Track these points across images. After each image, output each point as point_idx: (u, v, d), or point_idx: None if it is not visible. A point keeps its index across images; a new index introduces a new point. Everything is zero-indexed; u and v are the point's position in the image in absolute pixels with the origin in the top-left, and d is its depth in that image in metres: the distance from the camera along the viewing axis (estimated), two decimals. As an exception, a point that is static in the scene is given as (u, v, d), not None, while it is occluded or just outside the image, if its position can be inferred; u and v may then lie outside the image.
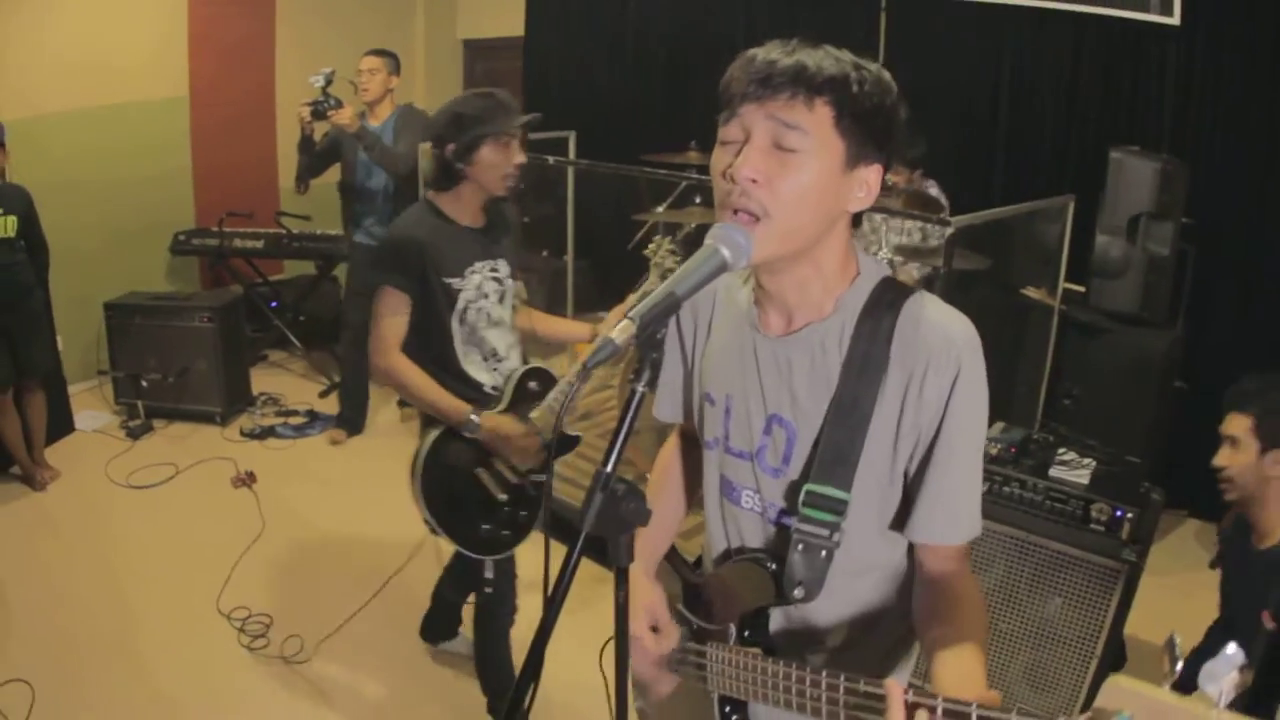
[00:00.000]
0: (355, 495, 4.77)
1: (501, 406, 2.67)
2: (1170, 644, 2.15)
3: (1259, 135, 4.08)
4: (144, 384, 5.37)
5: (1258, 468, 2.30)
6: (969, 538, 1.33)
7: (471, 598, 3.05)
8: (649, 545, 1.58)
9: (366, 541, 4.30)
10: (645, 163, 4.96)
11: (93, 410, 5.60)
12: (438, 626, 3.42)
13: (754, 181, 1.18)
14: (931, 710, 1.01)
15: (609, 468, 1.11)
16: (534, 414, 2.63)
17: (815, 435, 1.31)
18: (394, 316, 2.56)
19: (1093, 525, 2.78)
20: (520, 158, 2.56)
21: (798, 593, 1.31)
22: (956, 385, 1.25)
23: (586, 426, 4.96)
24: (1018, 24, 4.67)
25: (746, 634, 1.38)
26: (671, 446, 1.72)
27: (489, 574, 2.74)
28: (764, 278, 1.31)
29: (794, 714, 1.21)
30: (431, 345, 2.61)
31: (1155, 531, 2.83)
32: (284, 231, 6.25)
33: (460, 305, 2.60)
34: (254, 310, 6.24)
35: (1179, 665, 2.11)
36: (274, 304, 6.42)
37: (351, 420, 5.44)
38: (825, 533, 1.29)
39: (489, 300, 2.66)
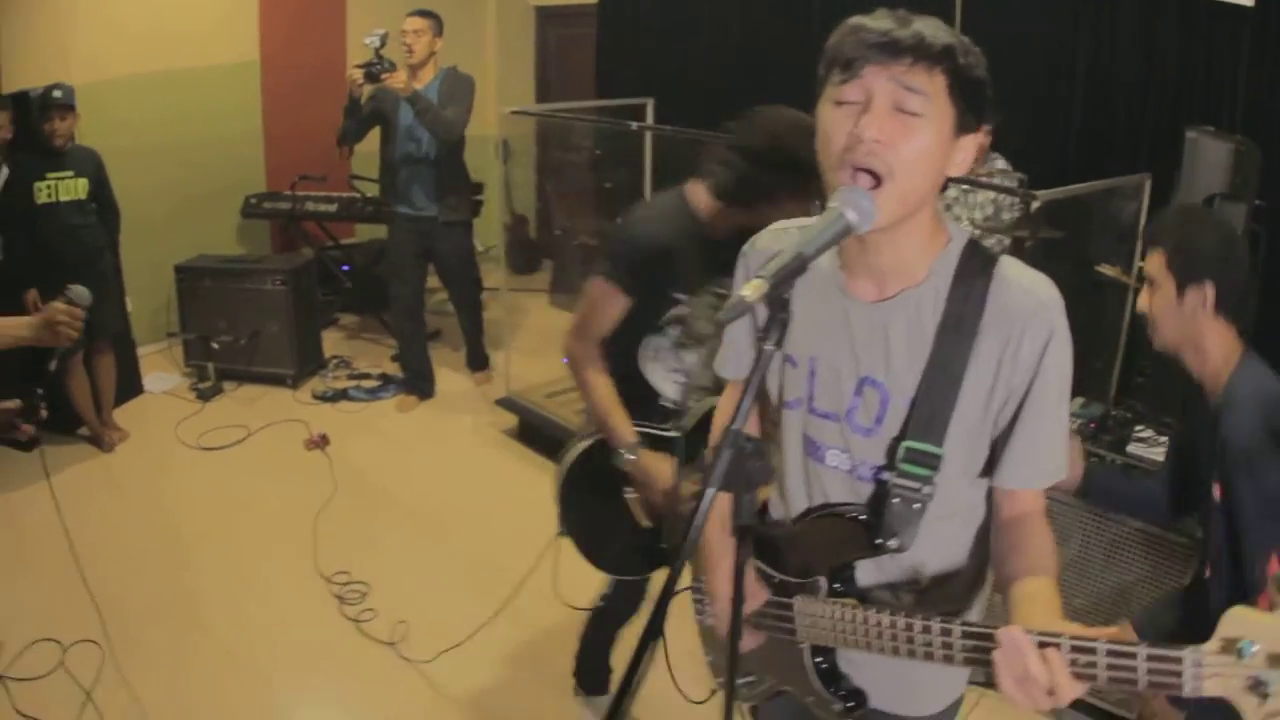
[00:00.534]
0: (429, 459, 4.73)
1: (676, 432, 2.46)
2: (1278, 579, 1.95)
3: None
4: (214, 346, 5.36)
5: (1178, 309, 2.01)
6: (1055, 481, 1.40)
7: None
8: (725, 504, 1.59)
9: (444, 507, 4.26)
10: (726, 130, 4.80)
11: (162, 372, 5.60)
12: (588, 672, 3.10)
13: (878, 142, 1.22)
14: (1058, 648, 1.06)
15: (737, 424, 1.13)
16: (686, 483, 2.39)
17: (911, 395, 1.37)
18: (607, 311, 2.34)
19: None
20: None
21: (893, 543, 1.38)
22: (1049, 346, 1.32)
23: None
24: (1094, 3, 4.61)
25: (836, 585, 1.45)
26: (730, 404, 1.76)
27: (609, 590, 2.66)
28: (870, 242, 1.33)
29: (892, 658, 1.31)
30: (621, 338, 2.40)
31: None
32: (358, 195, 6.19)
33: (672, 315, 2.41)
34: (325, 273, 6.19)
35: None
36: (346, 267, 6.38)
37: (420, 387, 5.38)
38: (919, 486, 1.36)
39: (701, 320, 2.45)
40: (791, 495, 1.56)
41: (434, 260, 5.16)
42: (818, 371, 1.46)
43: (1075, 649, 1.06)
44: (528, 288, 7.25)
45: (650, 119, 5.27)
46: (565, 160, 7.54)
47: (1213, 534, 1.94)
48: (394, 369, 5.60)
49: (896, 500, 1.37)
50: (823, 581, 1.45)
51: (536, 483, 4.42)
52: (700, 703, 2.91)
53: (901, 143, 1.22)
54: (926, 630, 1.25)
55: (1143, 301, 2.08)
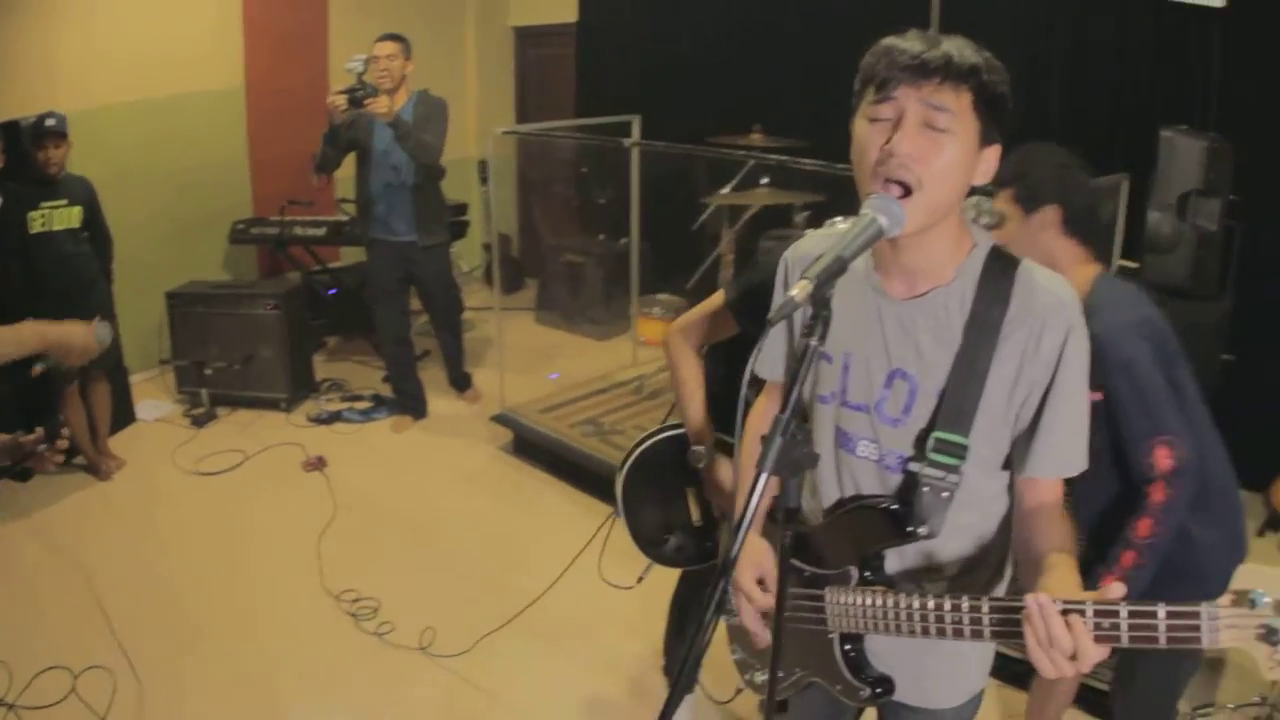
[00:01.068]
0: (427, 476, 4.75)
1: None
2: None
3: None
4: (207, 372, 5.35)
5: (1026, 230, 2.19)
6: (1076, 472, 1.48)
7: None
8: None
9: (448, 521, 4.29)
10: (710, 145, 4.86)
11: (154, 400, 5.58)
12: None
13: (910, 156, 1.32)
14: (1082, 614, 1.16)
15: (787, 414, 1.20)
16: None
17: (939, 388, 1.46)
18: (719, 322, 2.35)
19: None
20: None
21: (923, 530, 1.46)
22: (1068, 342, 1.41)
23: (656, 405, 4.91)
24: (1067, 5, 4.75)
25: (866, 574, 1.52)
26: (765, 405, 1.84)
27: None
28: (902, 244, 1.43)
29: (918, 645, 1.44)
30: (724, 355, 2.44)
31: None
32: (346, 218, 6.20)
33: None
34: (312, 297, 6.19)
35: None
36: (332, 290, 6.39)
37: (413, 407, 5.40)
38: (947, 475, 1.45)
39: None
40: (824, 486, 1.64)
41: (415, 284, 5.17)
42: (851, 366, 1.55)
43: (1099, 613, 1.15)
44: (512, 306, 7.29)
45: (636, 136, 5.33)
46: (550, 178, 7.61)
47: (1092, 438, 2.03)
48: (386, 390, 5.61)
49: (927, 489, 1.45)
50: (854, 571, 1.53)
51: (539, 493, 4.50)
52: (726, 702, 2.96)
53: (931, 157, 1.32)
54: (956, 609, 1.34)
55: (996, 236, 2.19)
